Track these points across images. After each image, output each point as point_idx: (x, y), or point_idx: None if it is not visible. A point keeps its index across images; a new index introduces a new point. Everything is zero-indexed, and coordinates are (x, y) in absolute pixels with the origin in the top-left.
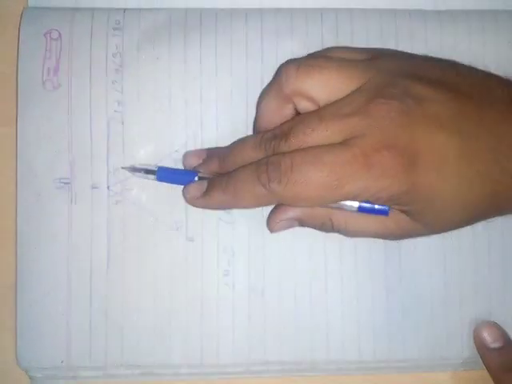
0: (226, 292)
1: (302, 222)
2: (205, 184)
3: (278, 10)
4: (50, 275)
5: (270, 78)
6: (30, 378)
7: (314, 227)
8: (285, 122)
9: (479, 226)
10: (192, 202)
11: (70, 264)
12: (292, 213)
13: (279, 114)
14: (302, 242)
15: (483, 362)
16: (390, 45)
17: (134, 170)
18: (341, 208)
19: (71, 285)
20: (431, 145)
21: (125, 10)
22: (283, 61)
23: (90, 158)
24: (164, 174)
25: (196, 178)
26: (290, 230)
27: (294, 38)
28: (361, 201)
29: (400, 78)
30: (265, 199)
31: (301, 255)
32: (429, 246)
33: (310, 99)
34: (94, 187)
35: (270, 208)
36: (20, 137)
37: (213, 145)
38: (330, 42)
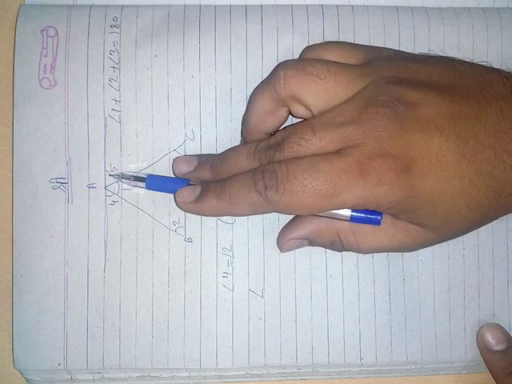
0: (225, 294)
1: (311, 241)
2: (198, 189)
3: (278, 6)
4: (46, 276)
5: None
6: (27, 380)
7: (324, 246)
8: (278, 132)
9: (483, 228)
10: (184, 206)
11: (67, 265)
12: (300, 232)
13: (272, 115)
14: None
15: (486, 364)
16: (393, 42)
17: (122, 177)
18: (334, 218)
19: (68, 286)
20: (426, 149)
21: (122, 6)
22: (284, 58)
23: (86, 157)
24: (154, 182)
25: None
26: None
27: (295, 35)
28: (360, 209)
29: (393, 85)
30: (260, 207)
31: (301, 257)
32: (432, 248)
33: (305, 106)
34: (90, 187)
35: None
36: (16, 136)
37: (212, 143)
38: (331, 39)
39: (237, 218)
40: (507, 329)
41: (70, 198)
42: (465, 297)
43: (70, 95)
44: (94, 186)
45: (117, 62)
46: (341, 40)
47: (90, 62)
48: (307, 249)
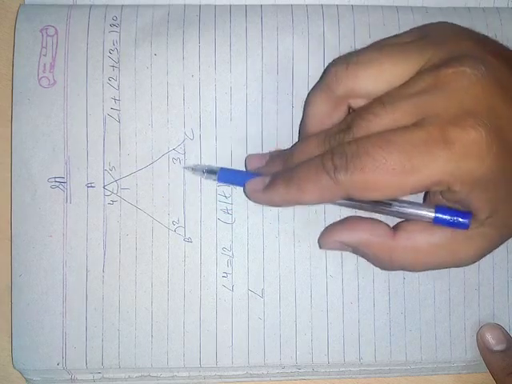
0: (224, 294)
1: (357, 250)
2: (267, 178)
3: (278, 6)
4: (45, 276)
5: (270, 75)
6: (27, 380)
7: (369, 260)
8: (347, 115)
9: None
10: (253, 195)
11: (66, 264)
12: (349, 237)
13: (331, 117)
14: (303, 242)
15: (486, 364)
16: None
17: (195, 169)
18: (414, 218)
19: (67, 286)
20: (509, 119)
21: (122, 6)
22: (284, 58)
23: (85, 157)
24: (225, 175)
25: None
26: (290, 230)
27: (295, 35)
28: (441, 189)
29: (462, 49)
30: (331, 191)
31: (301, 256)
32: None
33: (366, 96)
34: (89, 186)
35: (270, 208)
36: (15, 135)
37: (212, 143)
38: (331, 39)
39: (236, 218)
40: (507, 329)
41: (68, 198)
42: (465, 297)
43: (69, 94)
44: (93, 185)
45: (116, 60)
46: (341, 39)
47: (89, 60)
48: (307, 249)
